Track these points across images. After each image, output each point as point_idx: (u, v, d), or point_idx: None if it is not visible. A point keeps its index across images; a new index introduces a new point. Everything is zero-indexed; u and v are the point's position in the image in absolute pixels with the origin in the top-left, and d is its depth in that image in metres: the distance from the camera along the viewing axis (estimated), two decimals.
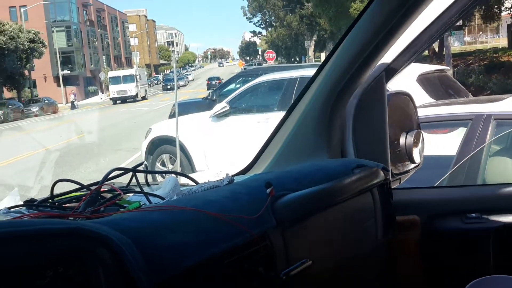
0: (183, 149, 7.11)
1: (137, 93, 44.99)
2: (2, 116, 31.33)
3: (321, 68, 1.68)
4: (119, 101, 44.28)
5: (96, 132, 17.45)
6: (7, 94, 42.28)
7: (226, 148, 6.88)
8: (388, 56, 1.65)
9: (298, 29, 49.59)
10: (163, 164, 7.57)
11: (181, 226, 1.04)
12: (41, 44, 40.91)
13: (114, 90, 45.20)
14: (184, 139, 7.04)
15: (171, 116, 9.84)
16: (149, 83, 72.12)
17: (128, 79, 44.95)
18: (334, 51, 1.63)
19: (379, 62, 1.62)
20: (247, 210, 1.14)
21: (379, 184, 1.45)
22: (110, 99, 45.79)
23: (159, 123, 8.36)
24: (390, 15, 1.43)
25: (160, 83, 69.51)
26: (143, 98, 46.05)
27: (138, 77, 46.05)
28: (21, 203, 1.34)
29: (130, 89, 44.58)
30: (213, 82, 42.92)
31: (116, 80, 45.44)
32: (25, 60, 38.90)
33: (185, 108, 9.68)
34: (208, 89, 35.72)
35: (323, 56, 50.32)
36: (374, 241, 1.47)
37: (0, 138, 19.58)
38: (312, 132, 1.67)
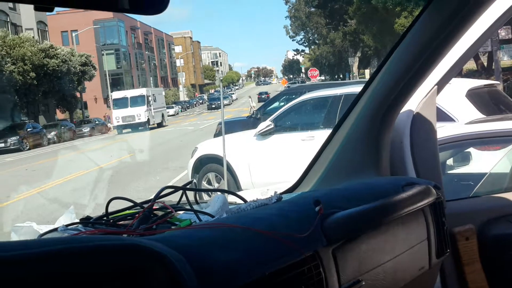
0: (228, 167, 7.16)
1: (148, 119, 34.33)
2: (55, 137, 32.37)
3: (367, 85, 1.67)
4: (129, 130, 33.43)
5: (145, 151, 17.86)
6: (59, 115, 43.95)
7: (272, 166, 6.89)
8: (438, 71, 1.64)
9: (342, 46, 49.31)
10: (209, 182, 7.64)
11: (232, 243, 1.05)
12: (92, 67, 42.38)
13: (119, 115, 33.94)
14: (230, 158, 7.09)
15: (217, 135, 9.95)
16: (194, 102, 73.25)
17: (138, 101, 34.31)
18: (380, 68, 1.62)
19: (429, 77, 1.61)
20: (296, 228, 1.14)
21: (431, 202, 1.42)
22: (113, 127, 35.50)
23: (205, 141, 8.45)
24: (438, 31, 1.42)
25: (205, 103, 70.64)
26: (159, 125, 35.74)
27: (150, 98, 35.38)
28: (77, 220, 1.39)
29: (139, 114, 33.72)
30: (263, 96, 54.78)
31: (121, 102, 34.30)
32: (77, 82, 40.23)
33: (230, 126, 9.78)
34: (259, 101, 42.23)
35: (367, 72, 49.85)
36: (427, 261, 1.44)
37: (56, 157, 20.31)
38: (359, 149, 1.65)
